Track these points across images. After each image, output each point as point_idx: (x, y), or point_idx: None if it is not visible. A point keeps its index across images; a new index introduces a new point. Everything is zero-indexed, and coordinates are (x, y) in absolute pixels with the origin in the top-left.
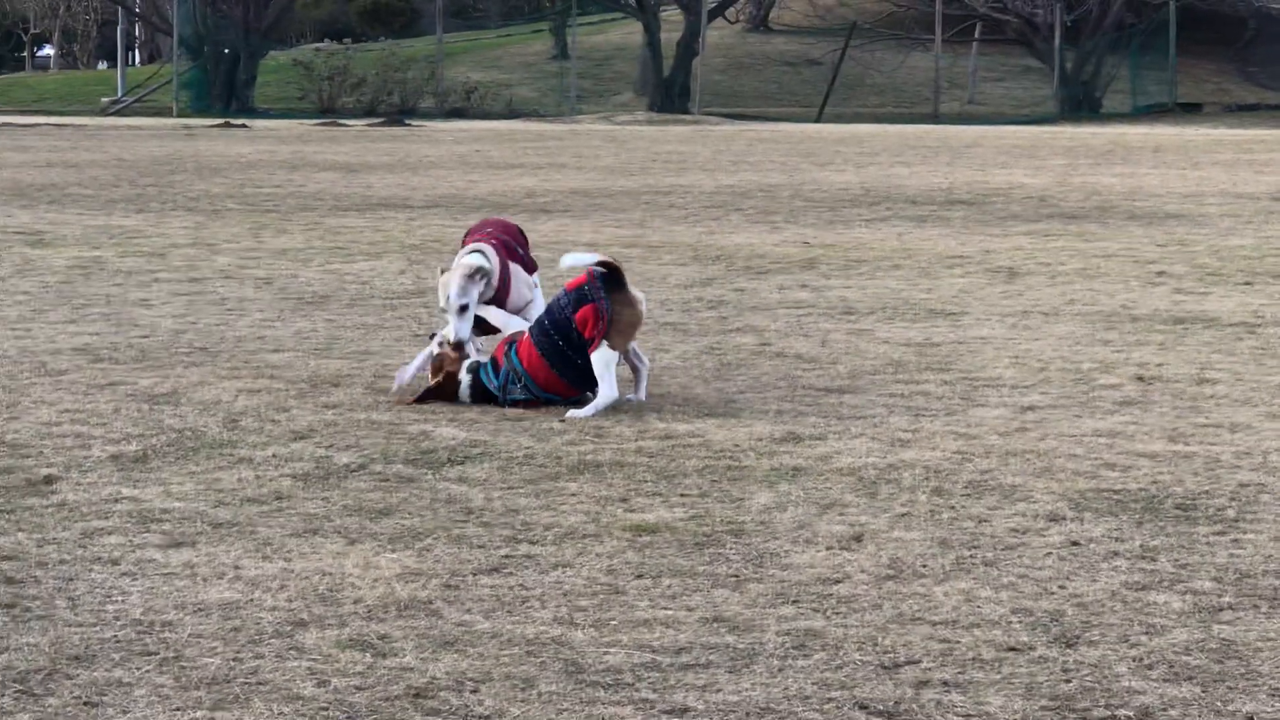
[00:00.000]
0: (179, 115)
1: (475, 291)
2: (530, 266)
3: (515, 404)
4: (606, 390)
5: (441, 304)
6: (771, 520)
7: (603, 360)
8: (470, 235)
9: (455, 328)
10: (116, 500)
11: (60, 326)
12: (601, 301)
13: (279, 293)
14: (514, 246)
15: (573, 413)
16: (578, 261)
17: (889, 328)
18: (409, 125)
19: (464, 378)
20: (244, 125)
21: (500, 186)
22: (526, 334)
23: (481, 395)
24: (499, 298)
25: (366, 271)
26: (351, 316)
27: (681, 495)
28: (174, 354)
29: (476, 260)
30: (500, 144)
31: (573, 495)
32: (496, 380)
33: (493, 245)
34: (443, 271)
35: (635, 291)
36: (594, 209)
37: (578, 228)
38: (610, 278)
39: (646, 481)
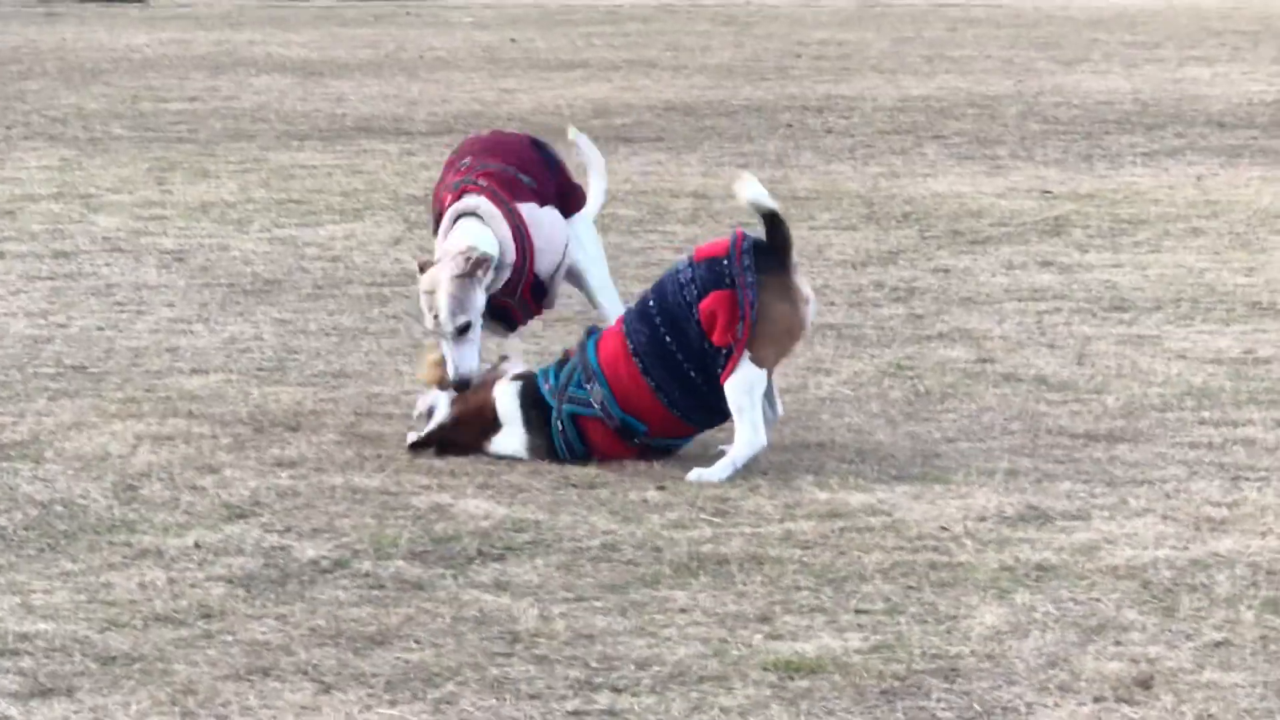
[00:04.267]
0: None
1: (478, 296)
2: (569, 198)
3: (579, 436)
4: (747, 434)
5: (429, 325)
6: (1004, 653)
7: (744, 384)
8: (448, 173)
9: (454, 361)
10: None
11: None
12: (747, 289)
13: (199, 275)
14: (521, 179)
15: (697, 473)
16: (759, 198)
17: (1186, 333)
18: None
19: (505, 396)
20: None
21: (550, 98)
22: (618, 324)
23: (537, 427)
24: (517, 277)
25: (339, 240)
26: (316, 315)
27: (857, 611)
28: (31, 377)
29: (468, 240)
30: (550, 28)
31: (682, 611)
32: (554, 381)
33: (487, 195)
34: (423, 269)
35: (802, 281)
36: (702, 135)
37: (676, 166)
38: (769, 249)
39: (801, 589)
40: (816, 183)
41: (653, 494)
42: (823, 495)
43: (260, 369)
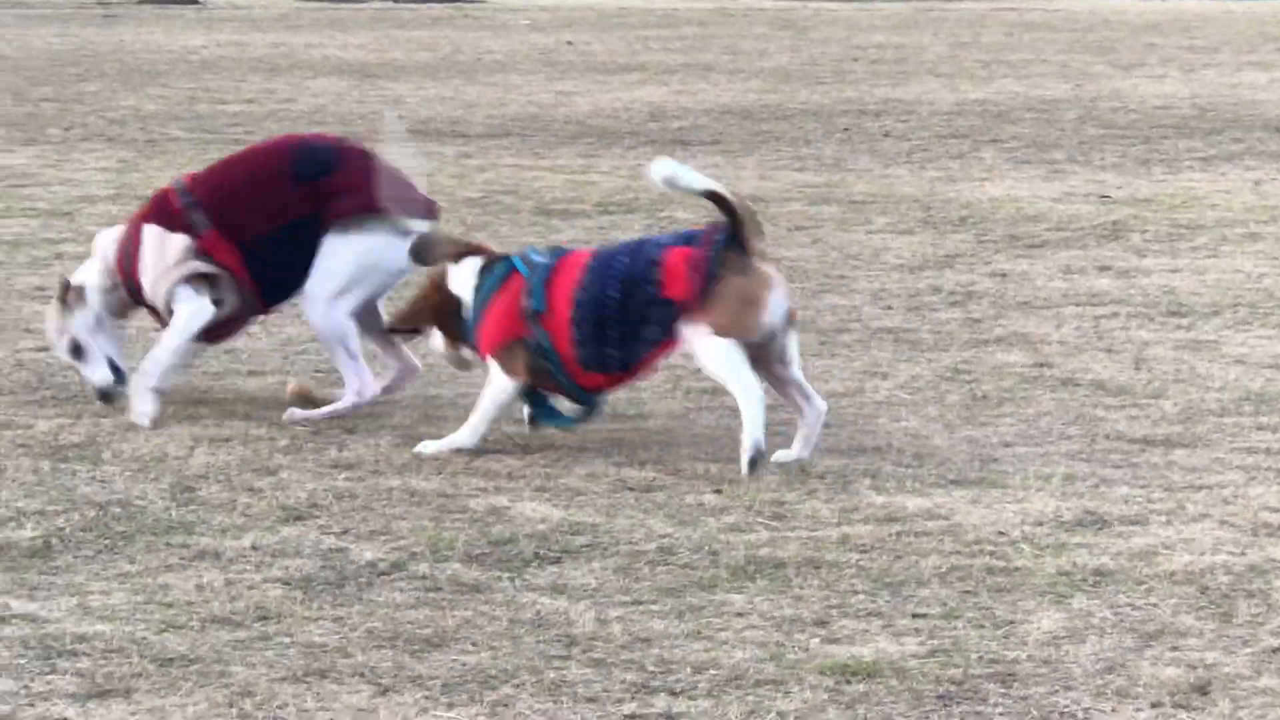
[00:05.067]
0: None
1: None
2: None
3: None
4: (744, 397)
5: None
6: (1061, 658)
7: (712, 354)
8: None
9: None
10: (3, 619)
11: None
12: (709, 249)
13: None
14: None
15: (752, 446)
16: (679, 176)
17: (1244, 338)
18: (457, 0)
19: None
20: (194, 1)
21: (607, 101)
22: (587, 256)
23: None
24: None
25: None
26: None
27: (914, 615)
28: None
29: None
30: (606, 30)
31: (739, 615)
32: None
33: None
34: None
35: (767, 267)
36: (759, 140)
37: (733, 170)
38: (733, 234)
39: (858, 593)
40: (873, 186)
41: (709, 498)
42: (880, 499)
43: (317, 371)
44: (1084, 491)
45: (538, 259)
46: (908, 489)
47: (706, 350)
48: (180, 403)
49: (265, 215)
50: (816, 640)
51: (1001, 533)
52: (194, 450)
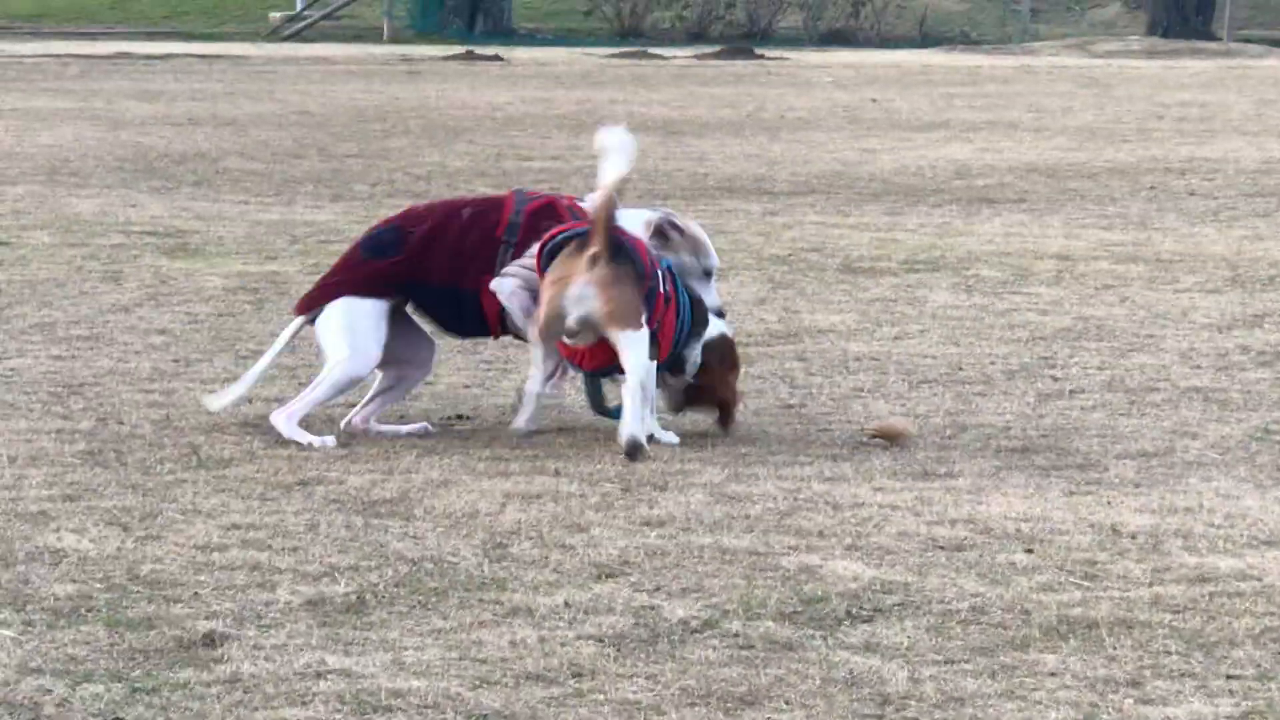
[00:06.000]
0: (392, 40)
1: None
2: None
3: None
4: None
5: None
6: None
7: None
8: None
9: None
10: (319, 674)
11: (218, 387)
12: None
13: None
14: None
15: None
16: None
17: None
18: (760, 57)
19: None
20: (497, 57)
21: (912, 159)
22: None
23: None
24: None
25: None
26: None
27: (1228, 677)
28: (401, 434)
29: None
30: (909, 88)
31: (1052, 675)
32: None
33: None
34: None
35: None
36: (1064, 198)
37: (1039, 228)
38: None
39: (1171, 653)
40: (1180, 245)
41: (1020, 557)
42: (1191, 560)
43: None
44: None
45: None
46: (1220, 549)
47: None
48: (490, 459)
49: None
50: (1130, 701)
51: None
52: (505, 507)
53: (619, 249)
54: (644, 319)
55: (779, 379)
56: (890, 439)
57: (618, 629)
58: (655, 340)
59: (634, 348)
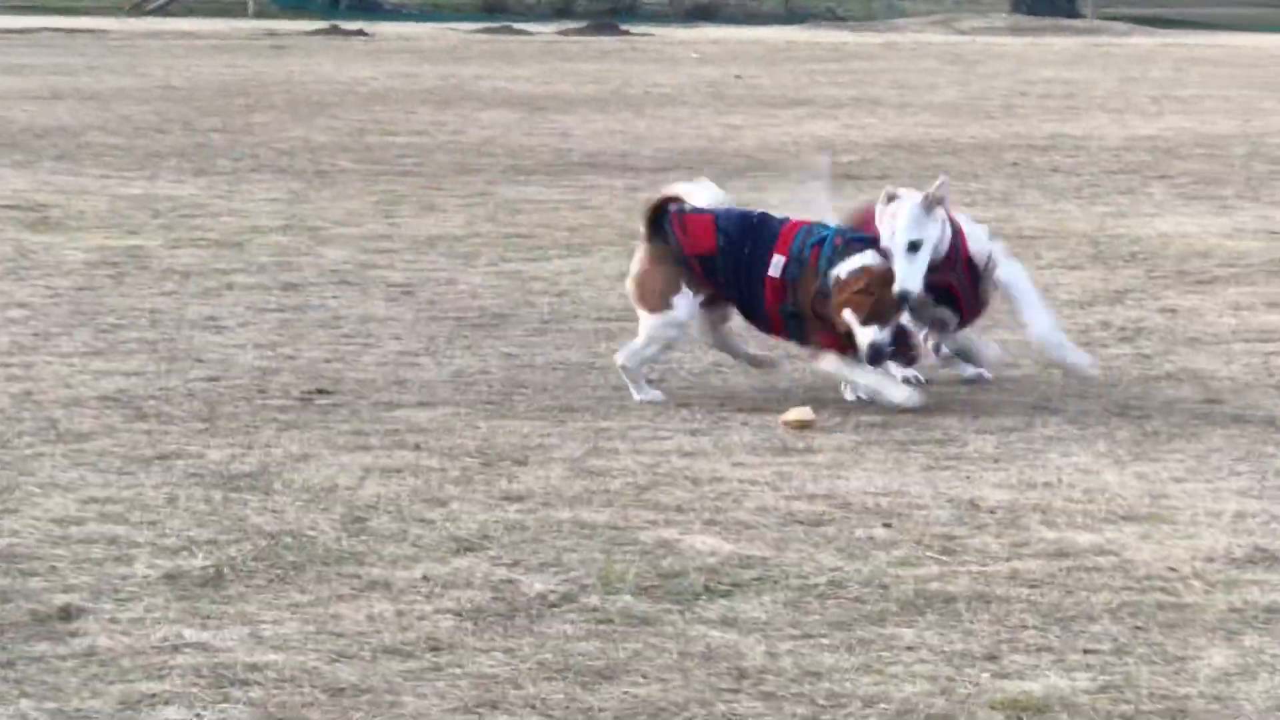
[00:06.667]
0: (257, 15)
1: (931, 227)
2: None
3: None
4: None
5: (884, 241)
6: (1232, 695)
7: None
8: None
9: (901, 275)
10: (176, 648)
11: (79, 361)
12: None
13: (426, 309)
14: None
15: None
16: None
17: None
18: (625, 33)
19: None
20: (362, 32)
21: (776, 135)
22: None
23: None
24: (953, 254)
25: (566, 274)
26: (544, 349)
27: (1085, 651)
28: (260, 408)
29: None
30: (774, 65)
31: (909, 649)
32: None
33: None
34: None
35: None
36: (928, 174)
37: None
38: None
39: (1029, 628)
40: (1043, 221)
41: (879, 531)
42: (1050, 535)
43: (488, 402)
44: (1255, 528)
45: None
46: (1078, 524)
47: None
48: (350, 433)
49: None
50: (987, 675)
51: (1172, 569)
52: (364, 481)
53: (658, 231)
54: (667, 302)
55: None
56: (802, 428)
57: (476, 603)
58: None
59: (642, 327)
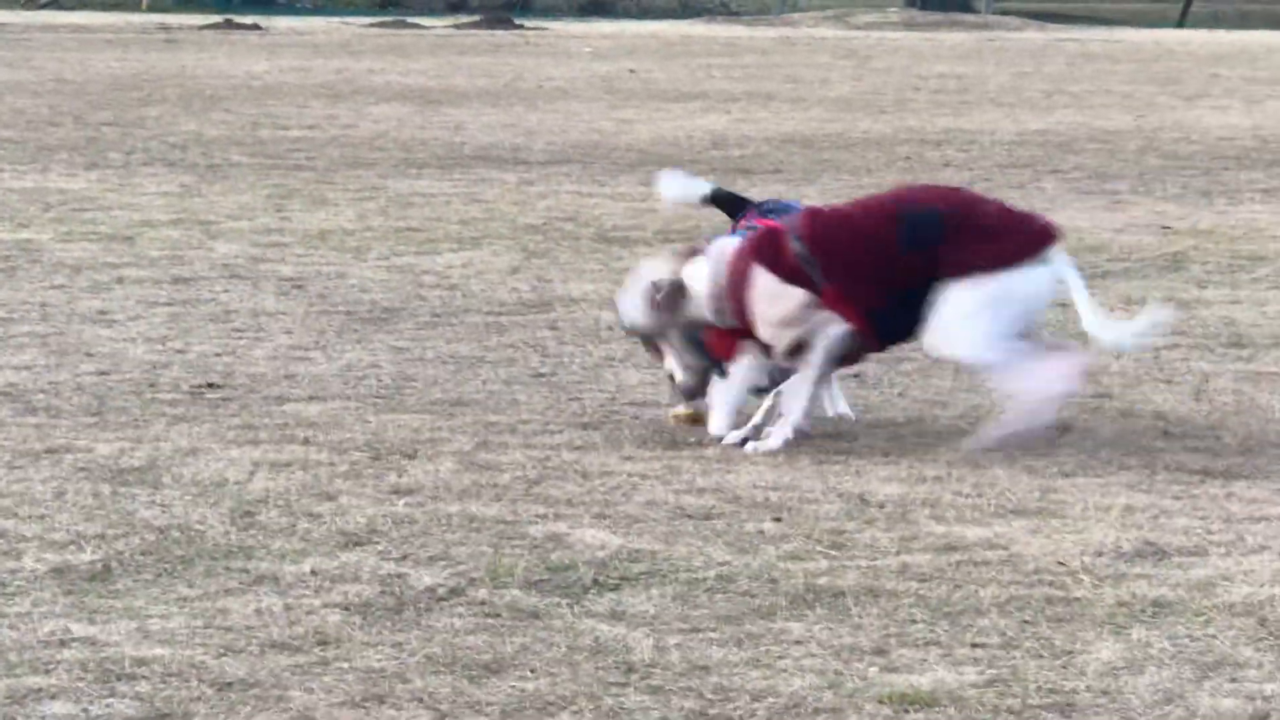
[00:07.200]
0: (151, 9)
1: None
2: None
3: None
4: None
5: None
6: (1120, 689)
7: None
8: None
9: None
10: (63, 642)
11: None
12: None
13: (317, 303)
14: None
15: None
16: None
17: None
18: (519, 27)
19: None
20: (256, 26)
21: (669, 129)
22: None
23: None
24: None
25: (457, 268)
26: (434, 343)
27: (973, 645)
28: (150, 402)
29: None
30: (668, 59)
31: (797, 643)
32: None
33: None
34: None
35: None
36: (820, 168)
37: (794, 199)
38: None
39: (917, 622)
40: None
41: (768, 526)
42: (939, 529)
43: (378, 396)
44: (1143, 522)
45: None
46: (967, 519)
47: None
48: (240, 427)
49: (882, 285)
50: (875, 669)
51: (1061, 563)
52: (253, 475)
53: None
54: None
55: (530, 348)
56: (693, 423)
57: (364, 597)
58: None
59: None
